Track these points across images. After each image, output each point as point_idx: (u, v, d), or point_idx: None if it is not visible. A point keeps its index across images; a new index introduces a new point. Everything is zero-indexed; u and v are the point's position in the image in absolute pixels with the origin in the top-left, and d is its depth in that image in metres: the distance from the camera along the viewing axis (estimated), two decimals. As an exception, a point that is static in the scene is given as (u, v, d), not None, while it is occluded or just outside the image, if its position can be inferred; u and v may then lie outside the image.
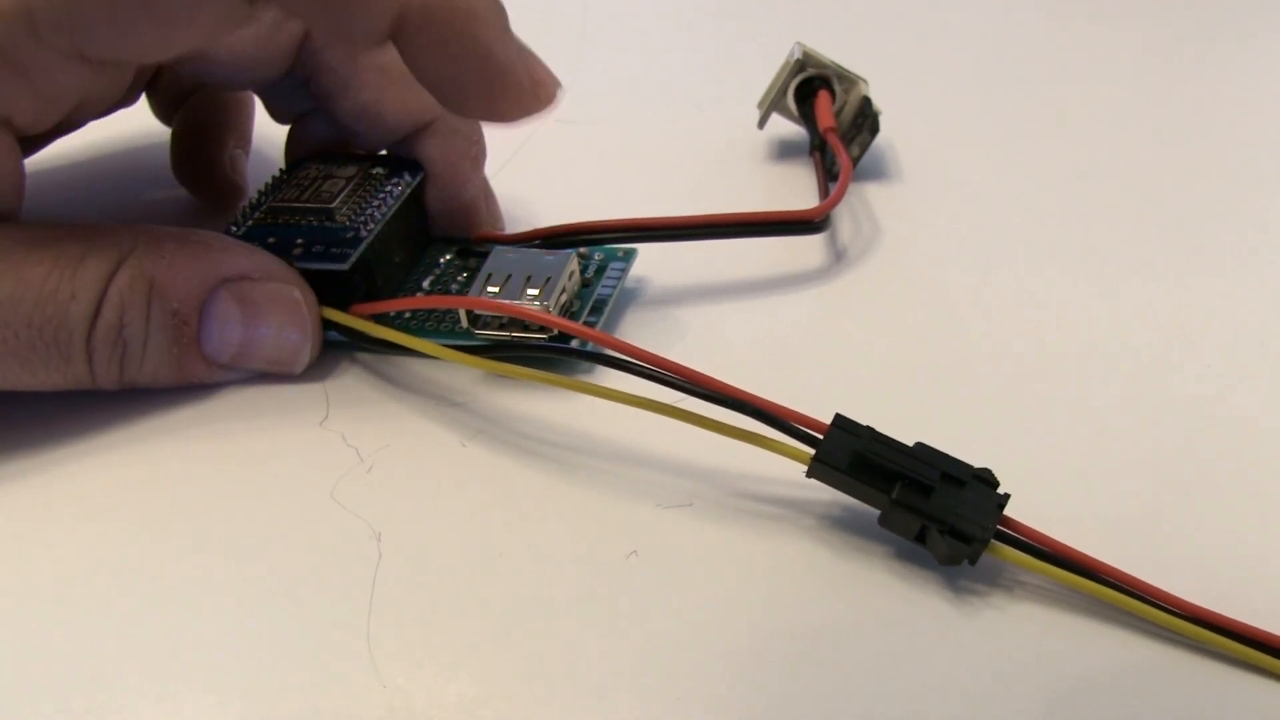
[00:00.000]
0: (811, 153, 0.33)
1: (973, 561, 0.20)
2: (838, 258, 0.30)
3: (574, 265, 0.25)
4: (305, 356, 0.25)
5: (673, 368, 0.21)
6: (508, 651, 0.19)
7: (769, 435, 0.21)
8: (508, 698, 0.19)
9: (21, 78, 0.21)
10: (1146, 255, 0.29)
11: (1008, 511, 0.20)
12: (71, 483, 0.23)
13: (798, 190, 0.33)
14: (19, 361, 0.22)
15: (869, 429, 0.20)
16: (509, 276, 0.24)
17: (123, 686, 0.19)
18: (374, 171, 0.27)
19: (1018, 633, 0.19)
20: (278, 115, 0.30)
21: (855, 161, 0.32)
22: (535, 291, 0.24)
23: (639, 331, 0.27)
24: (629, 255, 0.27)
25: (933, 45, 0.42)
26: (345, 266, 0.24)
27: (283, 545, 0.21)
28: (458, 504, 0.22)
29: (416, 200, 0.27)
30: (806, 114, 0.33)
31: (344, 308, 0.25)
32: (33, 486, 0.23)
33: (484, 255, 0.26)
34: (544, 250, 0.25)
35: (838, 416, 0.20)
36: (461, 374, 0.25)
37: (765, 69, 0.34)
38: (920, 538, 0.20)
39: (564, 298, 0.25)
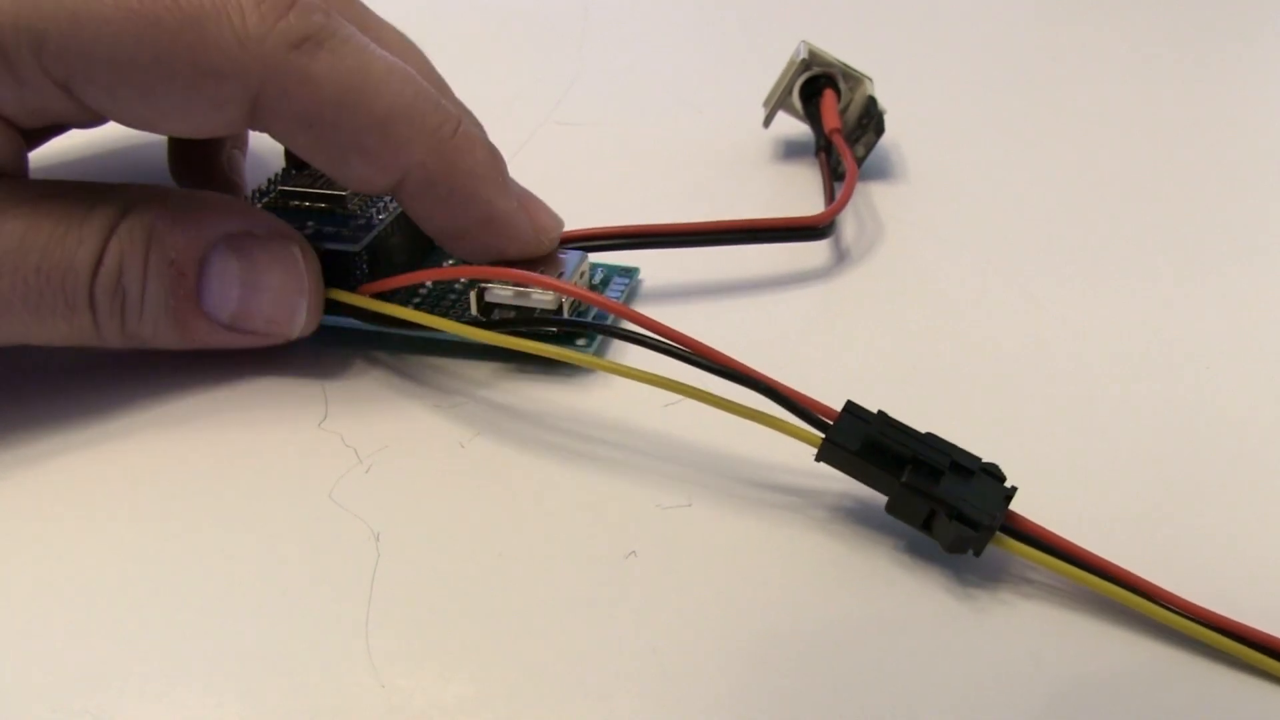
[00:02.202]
0: (817, 153, 0.33)
1: (977, 552, 0.20)
2: (842, 258, 0.30)
3: (585, 265, 0.25)
4: (301, 316, 0.25)
5: (685, 341, 0.21)
6: (507, 652, 0.19)
7: (780, 416, 0.21)
8: (507, 698, 0.19)
9: (13, 81, 0.22)
10: (1147, 256, 0.30)
11: (1013, 507, 0.20)
12: (68, 482, 0.23)
13: (801, 190, 0.33)
14: (29, 310, 0.22)
15: (880, 414, 0.21)
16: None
17: (120, 687, 0.19)
18: None
19: (1022, 629, 0.20)
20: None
21: (860, 162, 0.32)
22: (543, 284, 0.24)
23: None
24: (631, 273, 0.27)
25: (936, 45, 0.42)
26: (357, 248, 0.25)
27: (281, 546, 0.21)
28: (457, 504, 0.22)
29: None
30: (812, 113, 0.33)
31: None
32: (30, 486, 0.23)
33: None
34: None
35: (849, 403, 0.21)
36: (461, 375, 0.25)
37: (766, 70, 0.34)
38: (927, 525, 0.20)
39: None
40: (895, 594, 0.20)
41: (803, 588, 0.21)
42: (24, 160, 0.24)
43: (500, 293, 0.24)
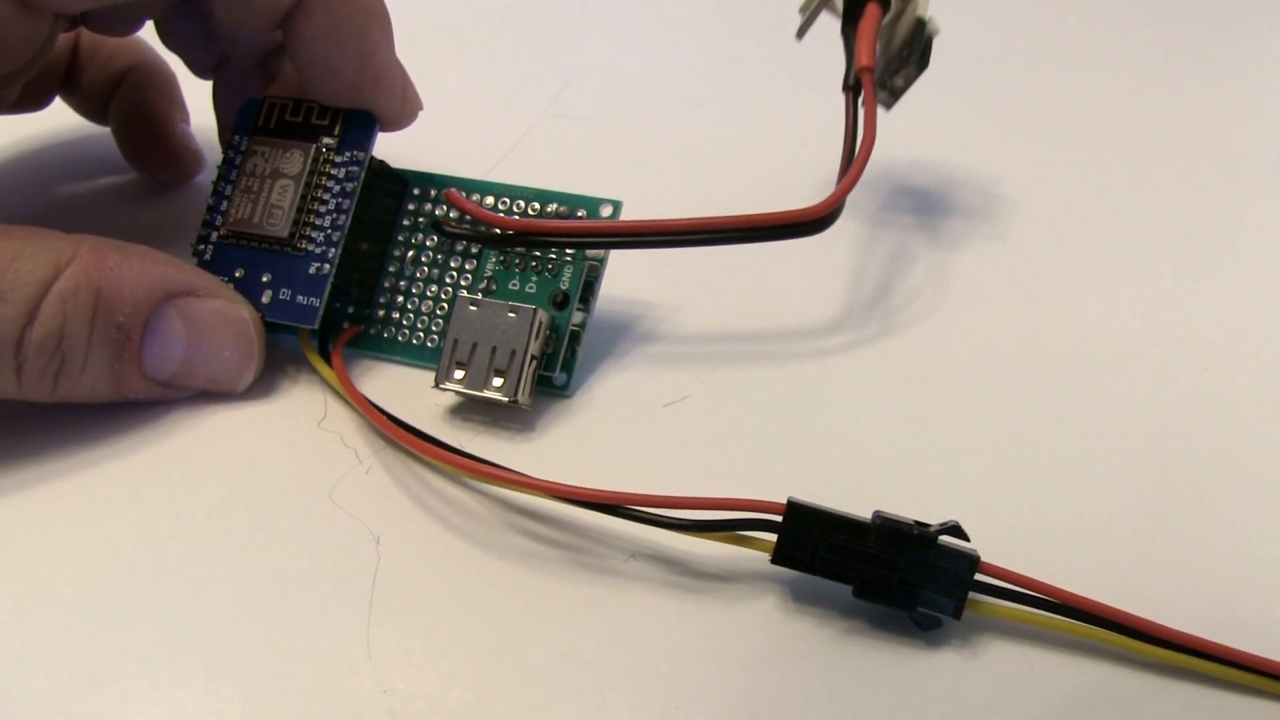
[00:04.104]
0: (845, 90, 0.29)
1: (956, 616, 0.20)
2: (840, 280, 0.29)
3: (540, 320, 0.24)
4: (248, 377, 0.25)
5: (628, 499, 0.21)
6: (507, 656, 0.20)
7: (729, 530, 0.21)
8: (507, 703, 0.19)
9: None
10: (1153, 259, 0.30)
11: (989, 555, 0.20)
12: (69, 486, 0.23)
13: (804, 185, 0.33)
14: None
15: (821, 519, 0.20)
16: (474, 347, 0.24)
17: (123, 690, 0.20)
18: (323, 154, 0.26)
19: (1005, 655, 0.20)
20: (198, 69, 0.30)
21: (898, 96, 0.29)
22: (499, 382, 0.24)
23: (611, 373, 0.26)
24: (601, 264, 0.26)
25: (940, 45, 0.41)
26: (314, 325, 0.25)
27: (282, 548, 0.22)
28: (457, 507, 0.23)
29: (371, 186, 0.26)
30: (849, 34, 0.29)
31: (327, 331, 0.26)
32: (31, 491, 0.23)
33: (455, 236, 0.26)
34: (507, 305, 0.24)
35: (790, 504, 0.20)
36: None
37: (764, 66, 0.34)
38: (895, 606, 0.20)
39: (533, 365, 0.24)
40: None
41: (802, 593, 0.21)
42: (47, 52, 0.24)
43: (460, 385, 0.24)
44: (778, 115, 0.35)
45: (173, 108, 0.32)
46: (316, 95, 0.26)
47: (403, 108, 0.27)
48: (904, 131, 0.33)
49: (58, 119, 0.33)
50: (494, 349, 0.24)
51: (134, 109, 0.32)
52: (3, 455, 0.24)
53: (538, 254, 0.26)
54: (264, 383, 0.26)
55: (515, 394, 0.24)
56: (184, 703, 0.19)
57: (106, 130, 0.33)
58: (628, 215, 0.26)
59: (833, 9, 0.29)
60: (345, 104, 0.26)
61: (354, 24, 0.25)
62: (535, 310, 0.24)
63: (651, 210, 0.27)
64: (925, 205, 0.32)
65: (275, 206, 0.26)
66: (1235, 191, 0.33)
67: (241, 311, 0.25)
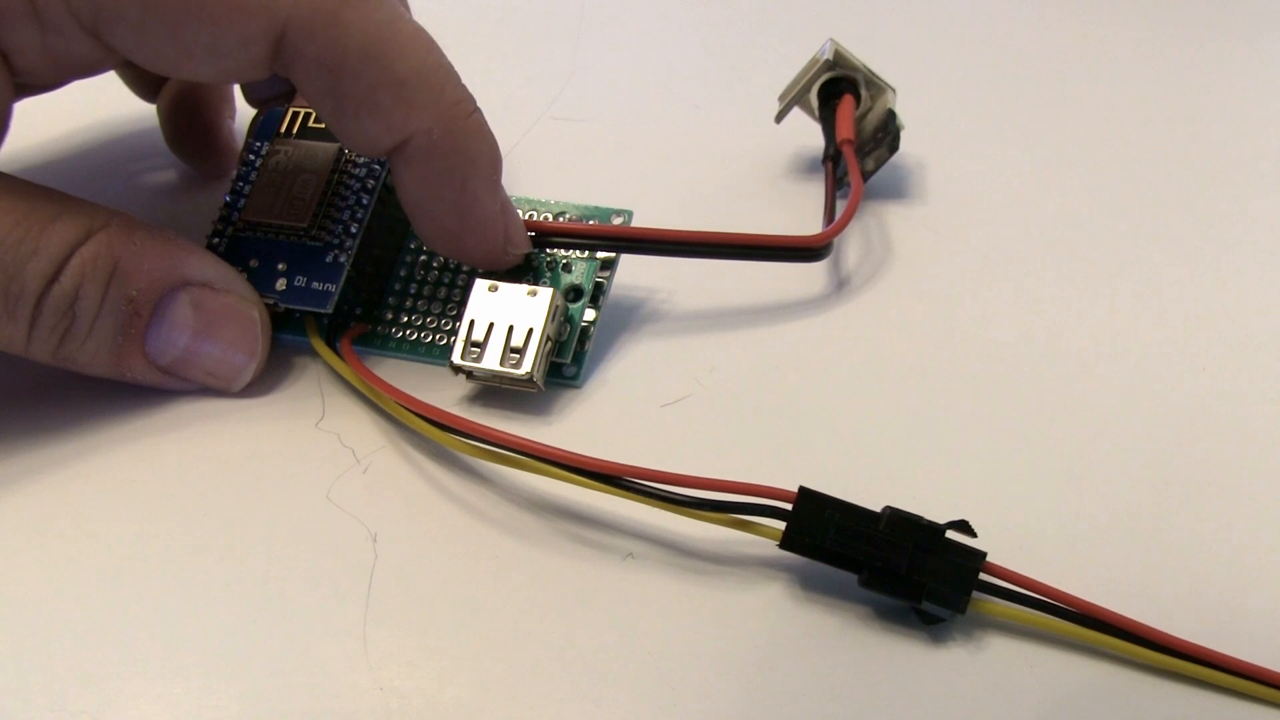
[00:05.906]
0: (824, 161, 0.32)
1: (960, 611, 0.20)
2: (843, 282, 0.29)
3: (556, 303, 0.25)
4: (247, 377, 0.26)
5: (636, 473, 0.21)
6: (504, 654, 0.20)
7: (736, 515, 0.21)
8: (504, 700, 0.20)
9: (37, 29, 0.22)
10: (1150, 261, 0.30)
11: (992, 555, 0.21)
12: (67, 484, 0.24)
13: (803, 193, 0.33)
14: None
15: (833, 506, 0.21)
16: (490, 327, 0.25)
17: (119, 687, 0.20)
18: (345, 154, 0.27)
19: (1006, 653, 0.20)
20: (253, 101, 0.30)
21: (868, 177, 0.32)
22: (515, 358, 0.24)
23: (622, 365, 0.27)
24: (610, 268, 0.27)
25: (953, 53, 0.41)
26: (328, 309, 0.26)
27: (279, 546, 0.22)
28: (454, 505, 0.23)
29: (390, 188, 0.27)
30: (827, 117, 0.33)
31: (334, 331, 0.26)
32: (29, 488, 0.24)
33: None
34: (525, 287, 0.25)
35: (801, 491, 0.21)
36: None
37: (764, 67, 0.34)
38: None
39: (548, 346, 0.25)
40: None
41: (800, 592, 0.21)
42: (7, 115, 0.24)
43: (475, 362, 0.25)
44: (796, 117, 0.34)
45: (223, 102, 0.32)
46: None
47: (502, 255, 0.26)
48: (906, 132, 0.33)
49: (83, 104, 0.33)
50: (510, 328, 0.25)
51: (185, 99, 0.32)
52: (0, 459, 0.24)
53: (549, 257, 0.27)
54: (263, 383, 0.26)
55: (531, 371, 0.24)
56: (181, 700, 0.19)
57: (139, 119, 0.33)
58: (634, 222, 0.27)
59: (808, 106, 0.33)
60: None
61: (455, 176, 0.24)
62: (553, 291, 0.25)
63: (650, 212, 0.27)
64: (925, 208, 0.32)
65: (297, 198, 0.27)
66: (1234, 191, 0.33)
67: (252, 311, 0.25)
